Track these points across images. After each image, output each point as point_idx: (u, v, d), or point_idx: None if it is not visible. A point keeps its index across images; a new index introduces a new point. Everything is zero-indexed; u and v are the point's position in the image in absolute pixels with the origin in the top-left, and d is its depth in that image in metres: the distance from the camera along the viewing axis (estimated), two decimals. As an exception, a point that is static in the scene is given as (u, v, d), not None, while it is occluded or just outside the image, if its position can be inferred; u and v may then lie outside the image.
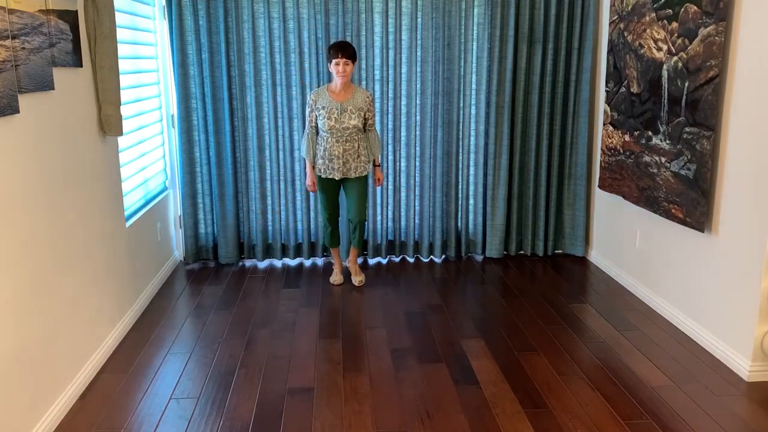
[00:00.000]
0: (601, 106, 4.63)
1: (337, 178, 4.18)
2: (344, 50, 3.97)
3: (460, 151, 4.86)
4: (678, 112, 3.58)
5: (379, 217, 4.94)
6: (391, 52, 4.67)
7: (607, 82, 4.47)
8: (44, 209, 2.75)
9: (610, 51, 4.38)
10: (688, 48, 3.47)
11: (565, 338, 3.60)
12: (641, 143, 3.99)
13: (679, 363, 3.31)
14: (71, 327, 2.99)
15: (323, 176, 4.20)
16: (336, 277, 4.48)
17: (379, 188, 4.88)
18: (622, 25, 4.21)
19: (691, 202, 3.50)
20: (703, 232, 3.45)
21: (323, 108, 4.08)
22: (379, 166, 4.37)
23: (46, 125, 2.79)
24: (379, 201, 4.92)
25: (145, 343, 3.57)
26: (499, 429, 2.73)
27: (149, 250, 4.24)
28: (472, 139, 4.87)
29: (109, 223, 3.52)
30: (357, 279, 4.45)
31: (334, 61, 3.99)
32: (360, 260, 4.93)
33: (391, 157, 4.83)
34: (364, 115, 4.13)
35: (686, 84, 3.50)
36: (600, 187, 4.58)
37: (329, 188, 4.27)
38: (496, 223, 4.90)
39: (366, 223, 4.53)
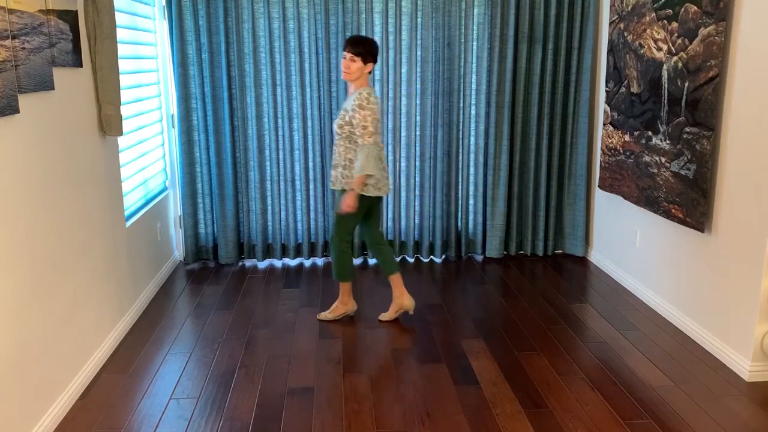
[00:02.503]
0: (601, 106, 4.63)
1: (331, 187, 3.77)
2: (353, 44, 3.47)
3: (460, 151, 4.86)
4: (678, 112, 3.58)
5: (379, 217, 4.95)
6: (391, 52, 4.67)
7: (607, 82, 4.47)
8: (44, 209, 2.75)
9: (610, 51, 4.38)
10: (688, 48, 3.47)
11: (565, 338, 3.60)
12: (641, 143, 3.99)
13: (679, 363, 3.31)
14: (71, 327, 2.99)
15: None
16: (321, 313, 3.90)
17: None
18: (622, 25, 4.21)
19: (691, 202, 3.50)
20: (703, 232, 3.45)
21: None
22: (353, 191, 3.48)
23: (46, 125, 2.78)
24: (379, 201, 4.92)
25: (145, 343, 3.57)
26: (499, 429, 2.73)
27: (149, 250, 4.24)
28: (472, 139, 4.87)
29: (109, 223, 3.52)
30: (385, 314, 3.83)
31: (342, 53, 3.54)
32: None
33: (391, 157, 4.83)
34: (349, 119, 3.49)
35: (686, 84, 3.50)
36: (600, 187, 4.58)
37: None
38: (496, 223, 4.90)
39: (334, 246, 3.71)
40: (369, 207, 3.70)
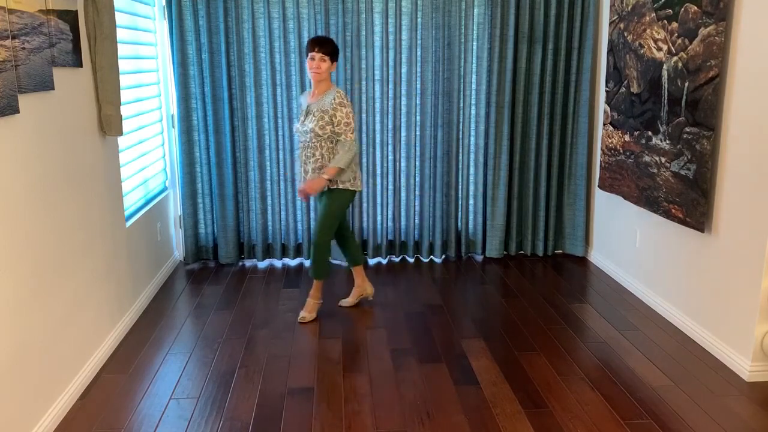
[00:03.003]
0: (601, 106, 4.63)
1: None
2: (321, 44, 3.54)
3: (460, 151, 4.86)
4: (678, 112, 3.59)
5: (379, 218, 4.94)
6: (391, 52, 4.67)
7: (607, 82, 4.47)
8: (44, 209, 2.75)
9: (610, 51, 4.38)
10: (688, 48, 3.47)
11: (565, 338, 3.60)
12: (641, 143, 3.99)
13: (679, 363, 3.31)
14: (71, 327, 2.99)
15: None
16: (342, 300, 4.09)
17: (379, 188, 4.87)
18: (622, 25, 4.21)
19: (691, 202, 3.50)
20: (703, 232, 3.45)
21: (300, 108, 3.84)
22: (329, 180, 3.60)
23: (46, 125, 2.78)
24: (379, 201, 4.92)
25: (145, 343, 3.57)
26: (499, 429, 2.73)
27: (149, 250, 4.24)
28: (472, 139, 4.87)
29: (109, 223, 3.52)
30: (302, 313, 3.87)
31: (309, 55, 3.58)
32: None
33: (391, 157, 4.83)
34: (330, 119, 3.58)
35: (686, 84, 3.50)
36: (600, 187, 4.58)
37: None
38: (496, 223, 4.90)
39: (319, 247, 3.73)
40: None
